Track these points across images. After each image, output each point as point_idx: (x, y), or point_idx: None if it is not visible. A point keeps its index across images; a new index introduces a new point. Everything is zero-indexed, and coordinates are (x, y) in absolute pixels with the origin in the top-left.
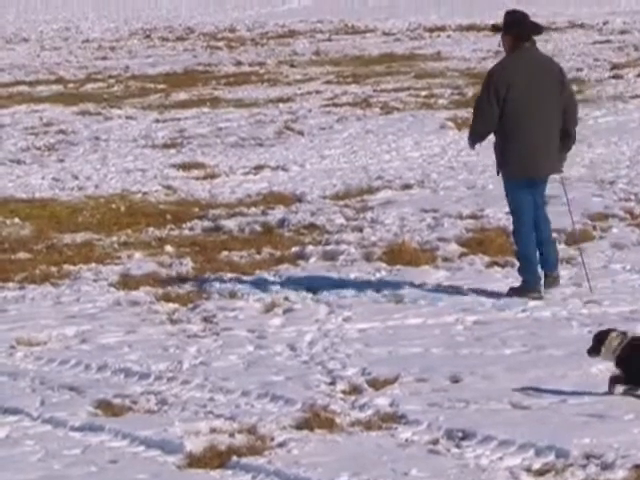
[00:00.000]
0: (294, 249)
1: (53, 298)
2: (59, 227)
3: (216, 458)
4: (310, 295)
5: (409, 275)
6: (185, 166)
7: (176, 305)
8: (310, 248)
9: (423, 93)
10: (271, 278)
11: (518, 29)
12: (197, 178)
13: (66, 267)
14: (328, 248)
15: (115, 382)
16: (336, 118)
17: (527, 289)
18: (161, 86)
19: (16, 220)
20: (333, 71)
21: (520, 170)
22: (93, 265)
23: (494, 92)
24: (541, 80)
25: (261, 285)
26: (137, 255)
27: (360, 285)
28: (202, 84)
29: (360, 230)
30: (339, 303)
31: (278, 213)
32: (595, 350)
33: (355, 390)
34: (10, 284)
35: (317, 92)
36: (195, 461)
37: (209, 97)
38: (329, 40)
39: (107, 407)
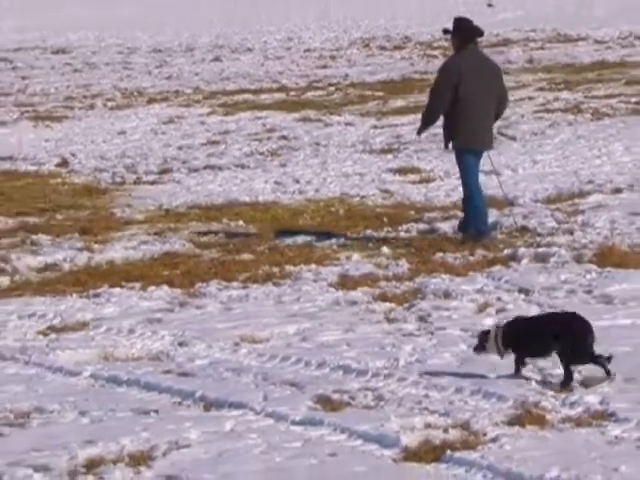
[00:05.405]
0: (506, 251)
1: (275, 297)
2: (281, 229)
3: (431, 452)
4: (522, 296)
5: (619, 277)
6: (401, 170)
7: (392, 305)
8: (522, 250)
9: (633, 99)
10: (484, 279)
11: (464, 32)
12: (413, 182)
13: (287, 268)
14: (540, 250)
15: (334, 378)
16: (548, 124)
17: (481, 237)
18: (379, 93)
19: (240, 222)
20: (545, 78)
21: (470, 142)
22: (313, 266)
23: (449, 80)
24: (484, 73)
25: (474, 286)
26: (355, 256)
27: (571, 286)
28: (418, 91)
29: (571, 233)
30: (550, 303)
31: (491, 216)
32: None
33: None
34: (234, 283)
35: (529, 98)
36: (411, 455)
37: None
38: (542, 48)
39: (326, 402)
